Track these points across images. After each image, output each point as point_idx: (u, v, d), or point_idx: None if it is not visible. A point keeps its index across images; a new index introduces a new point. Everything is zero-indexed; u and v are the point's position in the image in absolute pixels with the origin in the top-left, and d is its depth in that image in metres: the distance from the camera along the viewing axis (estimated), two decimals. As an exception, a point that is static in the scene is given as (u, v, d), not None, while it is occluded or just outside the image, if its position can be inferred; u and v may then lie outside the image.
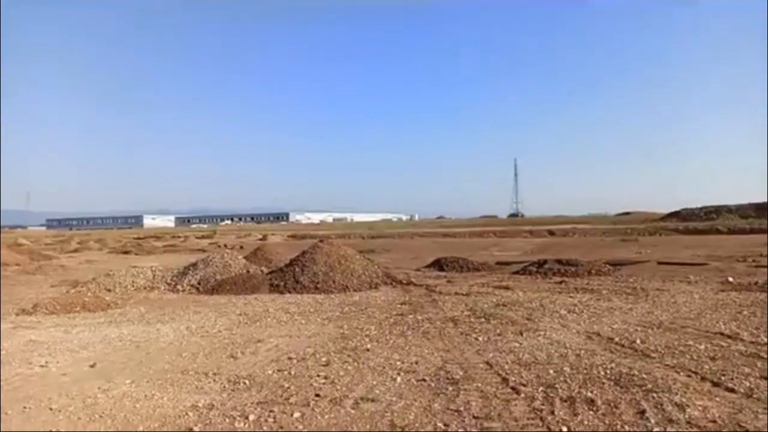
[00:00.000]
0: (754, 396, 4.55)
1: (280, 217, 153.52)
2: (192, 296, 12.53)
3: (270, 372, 5.75)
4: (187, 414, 4.52)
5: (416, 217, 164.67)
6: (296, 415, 4.40)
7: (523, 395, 4.73)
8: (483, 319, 8.42)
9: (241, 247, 32.25)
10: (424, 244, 34.72)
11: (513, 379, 5.22)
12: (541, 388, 4.90)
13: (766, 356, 5.80)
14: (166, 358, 6.53)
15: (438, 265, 17.86)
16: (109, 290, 13.01)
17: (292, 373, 5.68)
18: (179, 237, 54.16)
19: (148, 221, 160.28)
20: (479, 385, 5.07)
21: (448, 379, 5.30)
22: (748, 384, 4.87)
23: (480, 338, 7.13)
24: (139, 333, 8.07)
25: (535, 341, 6.86)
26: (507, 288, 12.24)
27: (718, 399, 4.52)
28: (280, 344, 7.09)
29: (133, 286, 13.53)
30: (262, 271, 14.65)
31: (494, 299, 10.54)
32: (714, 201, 63.92)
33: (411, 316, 8.91)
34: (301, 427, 4.16)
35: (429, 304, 10.18)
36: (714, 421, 4.01)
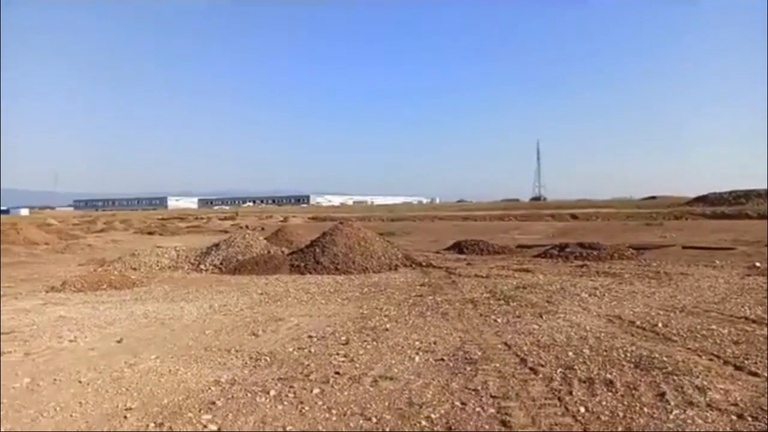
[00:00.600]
0: (778, 380, 4.48)
1: (301, 199, 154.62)
2: (215, 276, 12.76)
3: (290, 350, 5.84)
4: (210, 388, 4.63)
5: (437, 200, 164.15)
6: (316, 391, 4.48)
7: (541, 376, 4.73)
8: (502, 301, 8.41)
9: (263, 229, 32.59)
10: (444, 227, 34.63)
11: (531, 360, 5.22)
12: (559, 370, 4.90)
13: (792, 341, 5.69)
14: (190, 334, 6.68)
15: (458, 247, 17.81)
16: (134, 269, 13.31)
17: (312, 351, 5.77)
18: (202, 218, 54.93)
19: (172, 203, 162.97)
20: (497, 365, 5.08)
21: (466, 359, 5.32)
22: (772, 368, 4.79)
23: (499, 320, 7.12)
24: (164, 310, 8.26)
25: (555, 323, 6.83)
26: (527, 271, 12.17)
27: (740, 382, 4.46)
28: (301, 323, 7.19)
29: (157, 265, 13.83)
30: (282, 251, 14.81)
31: (514, 282, 10.50)
32: (743, 185, 62.28)
33: (430, 298, 8.94)
34: (320, 402, 4.23)
35: (448, 286, 10.19)
36: (735, 404, 3.96)
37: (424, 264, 13.66)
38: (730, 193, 60.52)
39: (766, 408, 3.88)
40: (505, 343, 5.89)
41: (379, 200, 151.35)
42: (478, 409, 4.02)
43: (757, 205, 48.35)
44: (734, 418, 3.73)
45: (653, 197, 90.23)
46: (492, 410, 3.99)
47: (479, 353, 5.52)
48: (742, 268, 11.74)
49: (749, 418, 3.71)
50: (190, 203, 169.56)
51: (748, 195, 57.51)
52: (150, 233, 32.87)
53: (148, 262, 13.89)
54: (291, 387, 4.59)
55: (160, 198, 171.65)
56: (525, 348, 5.68)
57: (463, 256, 16.23)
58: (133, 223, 46.27)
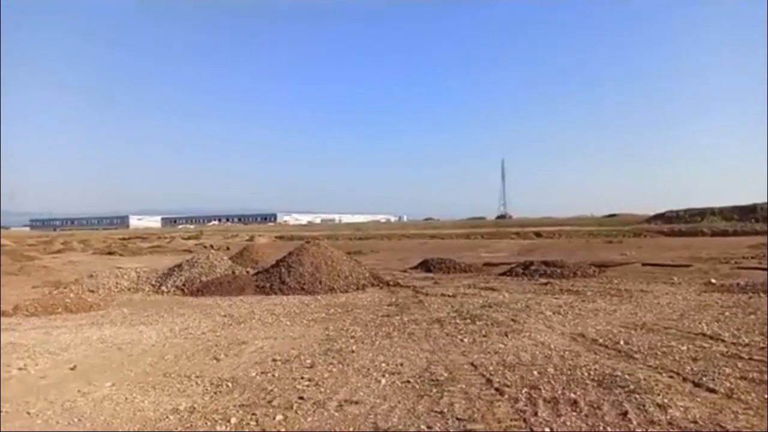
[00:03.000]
0: (734, 396, 4.60)
1: (268, 218, 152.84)
2: (177, 298, 12.41)
3: (253, 374, 5.70)
4: (168, 417, 4.46)
5: (404, 219, 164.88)
6: (279, 417, 4.36)
7: (506, 396, 4.73)
8: (468, 321, 8.43)
9: (228, 248, 32.04)
10: (411, 246, 34.77)
11: (497, 380, 5.23)
12: (525, 389, 4.91)
13: (746, 357, 5.87)
14: (149, 360, 6.45)
15: (425, 266, 17.88)
16: (92, 291, 12.83)
17: (276, 375, 5.64)
18: (165, 238, 53.65)
19: (134, 222, 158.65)
20: (463, 386, 5.06)
21: (432, 380, 5.29)
22: (728, 384, 4.92)
23: (465, 339, 7.13)
24: (122, 335, 7.96)
25: (520, 342, 6.88)
26: (493, 289, 12.28)
27: (699, 399, 4.56)
28: (265, 346, 7.04)
29: (116, 287, 13.38)
30: (248, 272, 14.55)
31: (480, 300, 10.56)
32: (698, 203, 64.81)
33: (397, 318, 8.90)
34: (283, 429, 4.12)
35: (415, 306, 10.18)
36: (695, 422, 4.04)
37: (391, 283, 13.63)
38: (686, 210, 62.92)
39: (723, 425, 3.96)
40: (472, 363, 5.89)
41: (347, 218, 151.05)
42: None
43: (711, 222, 50.40)
44: (694, 435, 3.80)
45: (614, 215, 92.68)
46: (458, 433, 3.95)
47: (445, 374, 5.49)
48: (699, 285, 12.12)
49: (708, 435, 3.78)
50: (153, 222, 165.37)
51: (702, 213, 59.92)
52: (110, 253, 31.85)
53: (106, 284, 13.41)
54: (253, 414, 4.46)
55: (121, 217, 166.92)
56: (491, 368, 5.69)
57: (430, 275, 16.27)
58: (92, 243, 44.80)
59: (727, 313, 8.55)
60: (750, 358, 5.82)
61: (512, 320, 8.40)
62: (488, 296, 11.18)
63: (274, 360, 6.28)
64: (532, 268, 15.34)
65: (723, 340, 6.72)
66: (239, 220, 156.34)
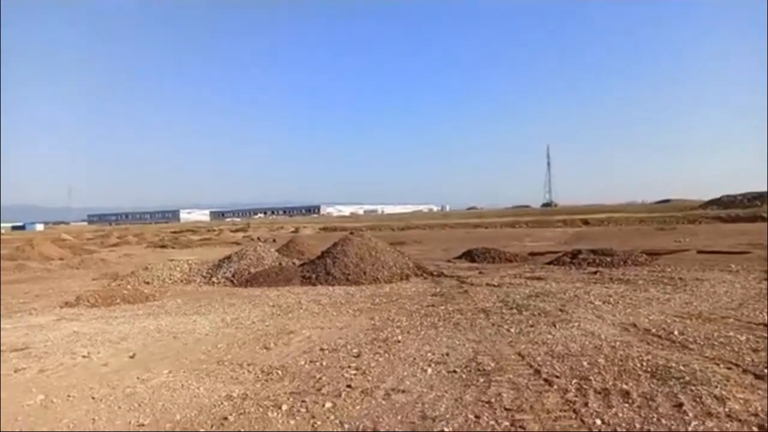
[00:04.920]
0: (800, 389, 4.38)
1: (312, 209, 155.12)
2: (227, 288, 12.80)
3: (302, 363, 5.83)
4: (222, 403, 4.63)
5: (448, 208, 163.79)
6: (328, 405, 4.45)
7: (555, 387, 4.66)
8: (515, 310, 8.33)
9: (274, 240, 32.72)
10: (455, 235, 34.55)
11: (545, 370, 5.16)
12: (574, 380, 4.83)
13: (813, 348, 5.57)
14: (203, 348, 6.69)
15: (469, 256, 17.74)
16: (147, 283, 13.40)
17: (324, 364, 5.75)
18: (214, 231, 55.30)
19: (184, 215, 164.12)
20: (511, 376, 5.02)
21: (479, 370, 5.27)
22: (792, 377, 4.69)
23: (512, 329, 7.06)
24: (177, 324, 8.29)
25: (569, 332, 6.75)
26: (540, 279, 12.08)
27: (760, 392, 4.36)
28: (312, 335, 7.18)
29: (170, 278, 13.91)
30: (294, 263, 14.84)
31: (527, 290, 10.41)
32: (757, 187, 61.45)
33: (442, 307, 8.89)
34: (332, 417, 4.21)
35: (460, 295, 10.13)
36: (756, 414, 3.88)
37: (435, 273, 13.61)
38: (744, 195, 59.76)
39: (787, 418, 3.79)
40: (519, 354, 5.83)
41: (390, 209, 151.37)
42: (492, 422, 3.97)
43: (772, 207, 47.65)
44: (755, 429, 3.65)
45: (667, 200, 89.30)
46: (506, 423, 3.93)
47: (492, 364, 5.46)
48: (759, 273, 11.55)
49: (771, 429, 3.62)
50: (202, 216, 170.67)
51: (762, 196, 56.68)
52: (163, 246, 33.13)
53: (160, 276, 13.98)
54: (303, 401, 4.57)
55: (172, 211, 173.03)
56: (539, 358, 5.61)
57: (474, 265, 16.14)
58: (146, 236, 46.70)
59: (791, 302, 8.12)
60: (817, 350, 5.52)
61: (560, 310, 8.25)
62: (535, 286, 11.01)
63: (321, 349, 6.40)
64: (580, 256, 14.98)
65: (787, 331, 6.39)
66: (284, 212, 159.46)
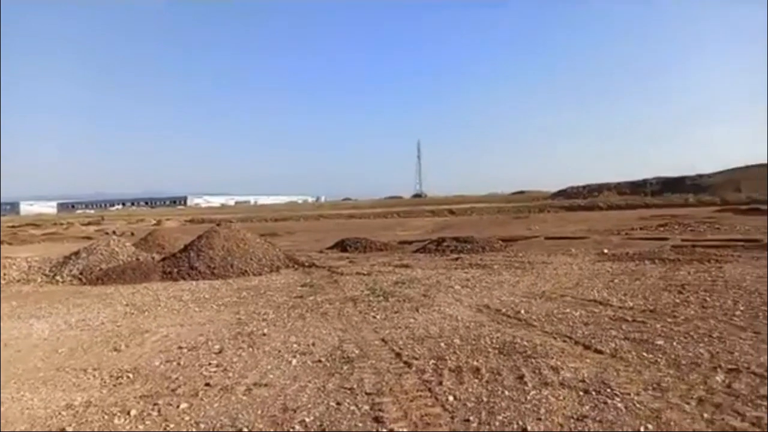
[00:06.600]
0: (618, 355, 5.04)
1: (178, 201, 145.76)
2: (74, 287, 11.56)
3: (157, 363, 5.45)
4: (60, 414, 4.17)
5: (323, 199, 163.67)
6: (183, 405, 4.21)
7: (414, 368, 4.88)
8: (381, 298, 8.57)
9: (132, 234, 30.24)
10: (328, 226, 34.69)
11: (406, 353, 5.37)
12: (432, 361, 5.09)
13: (629, 319, 6.44)
14: (39, 355, 5.98)
15: (341, 246, 17.93)
16: (-28, 285, 11.64)
17: (182, 363, 5.44)
18: (62, 224, 49.67)
19: (26, 208, 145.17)
20: (373, 362, 5.16)
21: (344, 358, 5.34)
22: (613, 345, 5.38)
23: (378, 316, 7.25)
24: (8, 330, 7.31)
25: (430, 316, 7.11)
26: (407, 266, 12.55)
27: (588, 360, 4.95)
28: (170, 334, 6.75)
29: (4, 279, 12.24)
30: (153, 258, 13.85)
31: (394, 278, 10.76)
32: (596, 180, 69.99)
33: (311, 298, 8.87)
34: (187, 418, 3.99)
35: (330, 285, 10.19)
36: (583, 381, 4.39)
37: (306, 264, 13.53)
38: (585, 186, 67.76)
39: (606, 382, 4.34)
40: (383, 339, 6.01)
41: (263, 200, 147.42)
42: (352, 407, 4.04)
43: (607, 197, 54.57)
44: (581, 393, 4.12)
45: (522, 192, 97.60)
46: (366, 407, 4.03)
47: (357, 351, 5.56)
48: (594, 255, 13.11)
49: (593, 393, 4.11)
50: (48, 208, 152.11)
51: (600, 188, 64.94)
52: (-4, 243, 29.01)
53: (-10, 276, 12.23)
54: (155, 404, 4.28)
55: (11, 203, 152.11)
56: (401, 342, 5.83)
57: (346, 255, 16.35)
58: (-26, 232, 40.53)
59: (616, 280, 9.32)
60: (633, 320, 6.40)
61: (423, 295, 8.65)
62: (402, 273, 11.42)
63: (180, 347, 6.04)
64: (444, 244, 15.84)
65: (611, 305, 7.34)
66: (146, 203, 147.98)
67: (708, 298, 7.48)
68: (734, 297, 7.49)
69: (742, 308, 6.79)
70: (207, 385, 4.69)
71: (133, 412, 4.11)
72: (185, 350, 5.92)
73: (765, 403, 3.78)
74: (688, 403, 3.84)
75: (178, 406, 4.21)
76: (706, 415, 3.63)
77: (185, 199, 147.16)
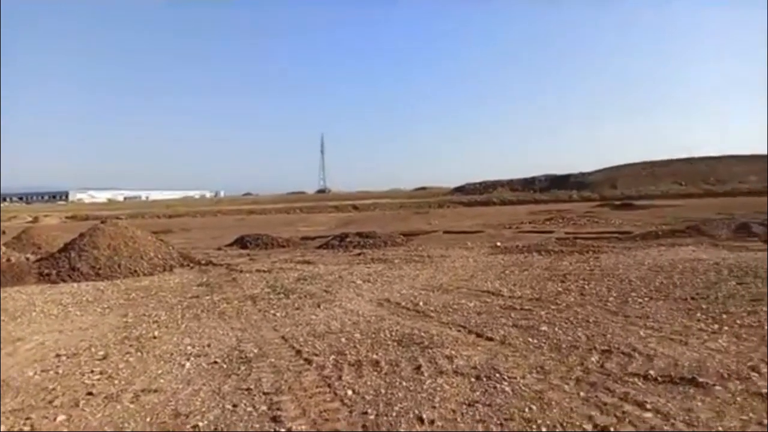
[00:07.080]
0: (507, 342, 5.37)
1: (58, 196, 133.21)
2: (-73, 294, 10.18)
3: (31, 374, 4.96)
4: None
5: (222, 194, 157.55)
6: (61, 418, 3.87)
7: (314, 365, 4.86)
8: (282, 295, 8.45)
9: (4, 232, 27.25)
10: (227, 222, 33.53)
11: (306, 350, 5.34)
12: (332, 357, 5.10)
13: (518, 308, 6.88)
14: None
15: (241, 243, 17.43)
16: None
17: (60, 372, 4.99)
18: None
19: None
20: (273, 360, 5.07)
21: (241, 358, 5.19)
22: (503, 332, 5.72)
23: (278, 314, 7.14)
24: None
25: (331, 312, 7.12)
26: (309, 262, 12.47)
27: (479, 347, 5.22)
28: (47, 341, 6.17)
29: None
30: (28, 258, 12.58)
31: (295, 274, 10.65)
32: (491, 176, 74.07)
33: (207, 298, 8.53)
34: (65, 430, 3.68)
35: (228, 284, 9.86)
36: (475, 367, 4.62)
37: (202, 262, 12.99)
38: (481, 183, 71.37)
39: (496, 368, 4.60)
40: (283, 337, 5.92)
41: (156, 195, 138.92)
42: (249, 408, 3.94)
43: (501, 193, 57.93)
44: (473, 380, 4.34)
45: (423, 188, 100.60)
46: (264, 407, 3.94)
47: (255, 351, 5.43)
48: (488, 248, 13.83)
49: (484, 378, 4.35)
50: None
51: (494, 185, 68.76)
52: None
53: None
54: (28, 418, 3.89)
55: None
56: (301, 339, 5.79)
57: (246, 252, 15.92)
58: None
59: (507, 272, 9.91)
60: (521, 309, 6.84)
61: (325, 291, 8.64)
62: (304, 269, 11.32)
63: (58, 355, 5.54)
64: (347, 239, 15.94)
65: (502, 295, 7.79)
66: (20, 199, 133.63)
67: (586, 286, 8.19)
68: (608, 285, 8.25)
69: (614, 294, 7.50)
70: (89, 394, 4.35)
71: (1, 429, 3.71)
72: (64, 358, 5.45)
73: (632, 380, 4.22)
74: (567, 384, 4.17)
75: (54, 419, 3.86)
76: (582, 394, 3.96)
77: (67, 194, 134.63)
